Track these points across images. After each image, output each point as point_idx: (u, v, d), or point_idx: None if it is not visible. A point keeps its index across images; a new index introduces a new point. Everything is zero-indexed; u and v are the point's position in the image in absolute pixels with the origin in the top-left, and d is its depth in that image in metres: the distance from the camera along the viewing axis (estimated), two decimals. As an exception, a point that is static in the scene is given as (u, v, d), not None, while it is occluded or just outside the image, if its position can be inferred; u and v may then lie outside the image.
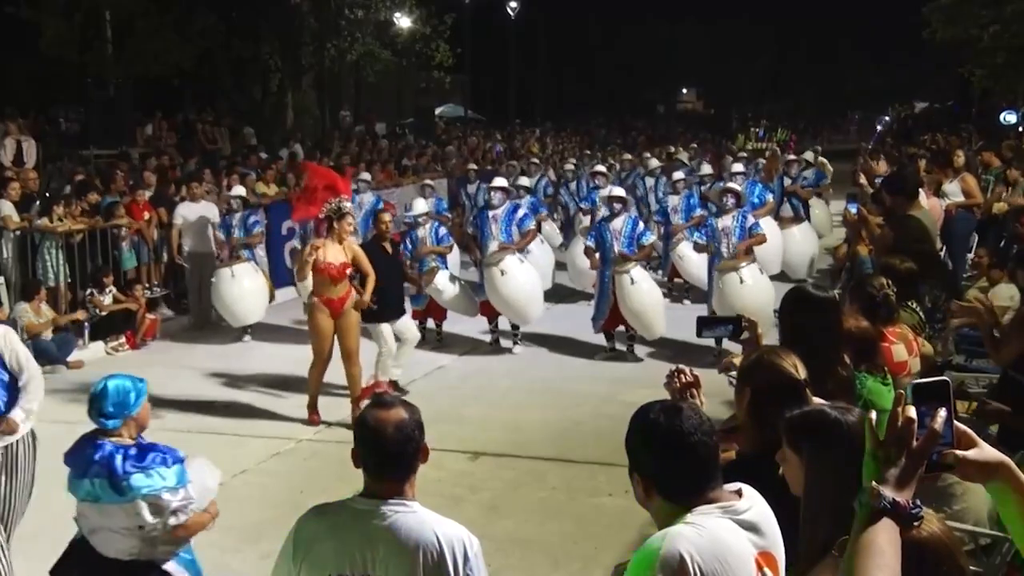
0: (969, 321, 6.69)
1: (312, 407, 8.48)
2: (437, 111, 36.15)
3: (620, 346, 10.47)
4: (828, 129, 53.19)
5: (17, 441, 5.21)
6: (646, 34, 47.89)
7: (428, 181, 15.10)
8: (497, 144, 26.20)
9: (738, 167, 13.79)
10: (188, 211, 12.21)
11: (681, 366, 3.47)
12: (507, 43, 36.38)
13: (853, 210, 8.01)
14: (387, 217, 9.46)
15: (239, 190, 12.32)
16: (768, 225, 12.36)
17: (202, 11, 20.72)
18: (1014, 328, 5.29)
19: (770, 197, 13.20)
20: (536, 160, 19.13)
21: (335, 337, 8.32)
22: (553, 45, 45.16)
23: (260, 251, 12.33)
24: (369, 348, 8.85)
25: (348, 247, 8.29)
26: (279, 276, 13.34)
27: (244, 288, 11.42)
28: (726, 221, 10.26)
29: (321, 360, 8.40)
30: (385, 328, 8.95)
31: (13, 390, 5.15)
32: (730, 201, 10.41)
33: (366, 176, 14.91)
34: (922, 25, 27.31)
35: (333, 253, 8.15)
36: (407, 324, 9.39)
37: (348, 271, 8.23)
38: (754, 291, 9.80)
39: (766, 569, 2.37)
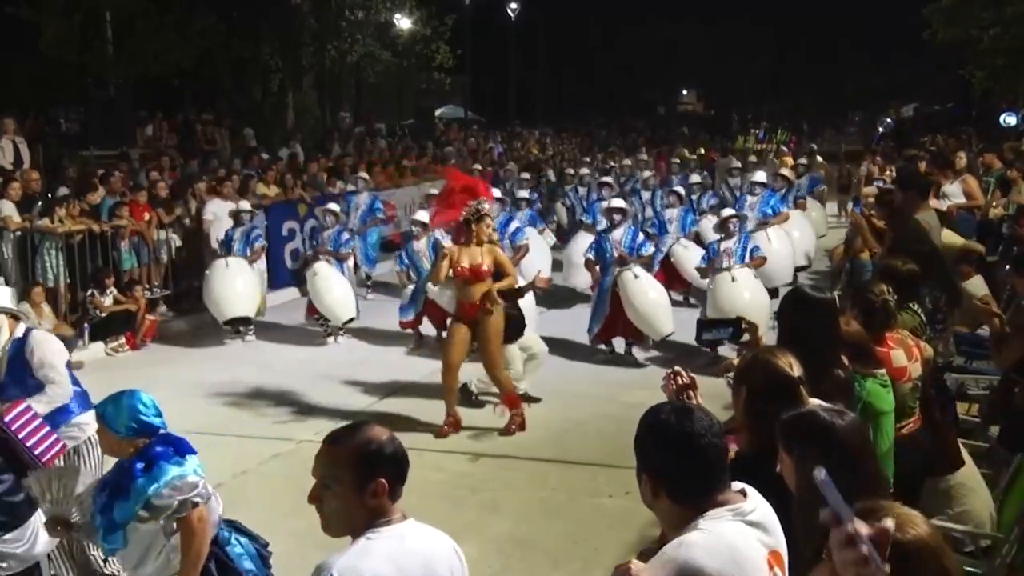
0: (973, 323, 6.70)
1: (446, 416, 8.14)
2: (437, 112, 36.14)
3: (619, 348, 10.47)
4: (830, 130, 53.15)
5: (82, 443, 5.35)
6: (646, 34, 47.89)
7: (433, 191, 14.98)
8: (498, 146, 26.18)
9: (760, 176, 13.69)
10: (218, 208, 12.35)
11: (678, 368, 3.47)
12: (507, 44, 36.38)
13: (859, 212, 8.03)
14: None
15: (245, 204, 12.23)
16: (778, 235, 12.28)
17: (202, 11, 20.70)
18: (1014, 331, 5.29)
19: (785, 208, 13.07)
20: (512, 166, 19.14)
21: (473, 343, 8.07)
22: (553, 46, 45.14)
23: (260, 264, 12.24)
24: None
25: (489, 250, 7.99)
26: (279, 277, 13.35)
27: (235, 282, 11.32)
28: (728, 243, 10.35)
29: (448, 366, 8.04)
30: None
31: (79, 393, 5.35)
32: (734, 226, 10.55)
33: (364, 175, 14.91)
34: (922, 26, 27.31)
35: (468, 256, 7.87)
36: (534, 338, 8.99)
37: (485, 273, 7.88)
38: (745, 290, 9.79)
39: (776, 569, 2.39)
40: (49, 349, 5.40)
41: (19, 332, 5.35)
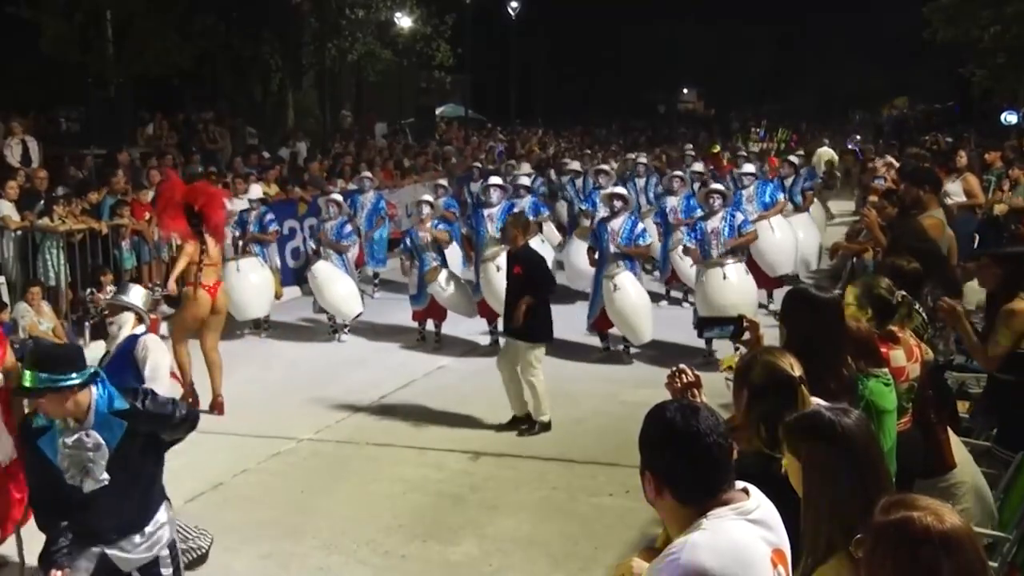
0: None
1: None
2: (438, 111, 36.13)
3: (616, 346, 10.45)
4: (830, 130, 53.12)
5: None
6: (646, 34, 47.88)
7: (441, 181, 15.06)
8: (499, 145, 26.18)
9: (748, 167, 13.66)
10: None
11: (683, 366, 3.46)
12: (507, 43, 36.35)
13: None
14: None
15: (256, 191, 12.39)
16: (779, 224, 12.26)
17: (202, 11, 20.69)
18: (1000, 323, 5.23)
19: (781, 196, 13.00)
20: (512, 162, 19.12)
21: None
22: (553, 45, 45.15)
23: (271, 249, 12.39)
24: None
25: None
26: (282, 276, 13.35)
27: (250, 282, 11.37)
28: (715, 223, 10.23)
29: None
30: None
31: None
32: (716, 202, 10.39)
33: (368, 175, 14.88)
34: (923, 25, 27.31)
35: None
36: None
37: None
38: (736, 289, 9.67)
39: (780, 567, 2.38)
40: (163, 357, 5.52)
41: (139, 330, 5.49)
